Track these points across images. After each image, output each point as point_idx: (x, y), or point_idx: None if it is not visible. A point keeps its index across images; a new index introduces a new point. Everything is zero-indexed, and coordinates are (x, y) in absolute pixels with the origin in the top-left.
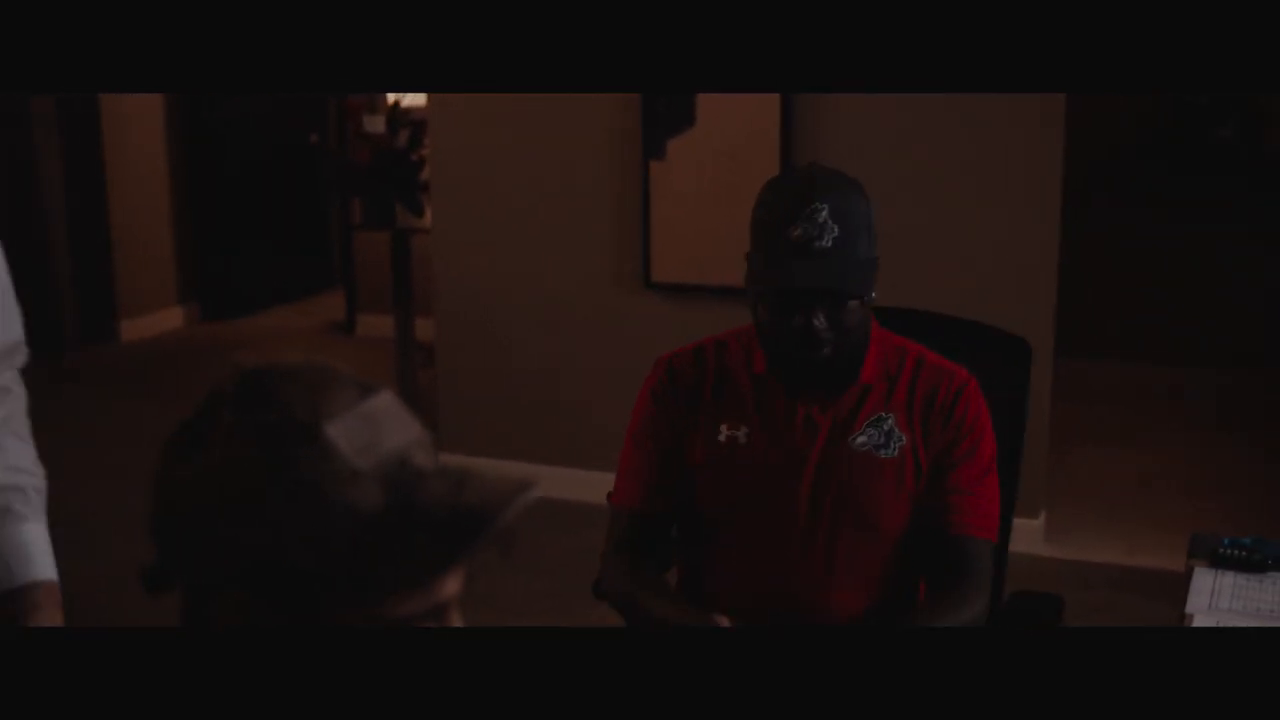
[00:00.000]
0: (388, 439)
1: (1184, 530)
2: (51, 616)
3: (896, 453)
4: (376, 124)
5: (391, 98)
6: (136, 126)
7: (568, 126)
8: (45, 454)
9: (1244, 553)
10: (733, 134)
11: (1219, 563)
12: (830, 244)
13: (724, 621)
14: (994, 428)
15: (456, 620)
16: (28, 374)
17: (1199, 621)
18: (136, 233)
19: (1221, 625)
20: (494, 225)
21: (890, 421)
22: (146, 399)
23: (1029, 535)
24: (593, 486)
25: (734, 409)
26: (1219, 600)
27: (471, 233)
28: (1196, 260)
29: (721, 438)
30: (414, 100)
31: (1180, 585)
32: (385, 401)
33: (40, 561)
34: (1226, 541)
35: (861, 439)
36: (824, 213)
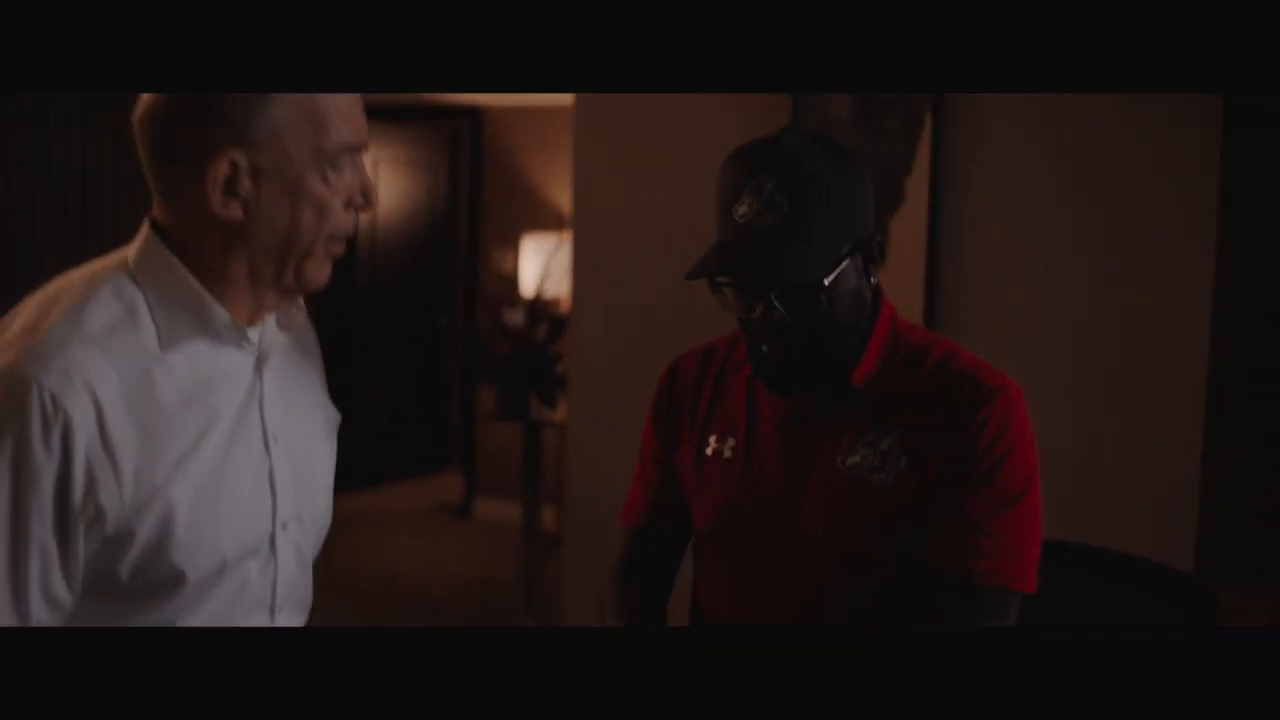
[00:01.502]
0: None
1: None
2: None
3: (892, 478)
4: (516, 317)
5: (532, 292)
6: None
7: (703, 329)
8: None
9: None
10: None
11: None
12: (776, 222)
13: None
14: None
15: None
16: None
17: None
18: None
19: None
20: (628, 423)
21: (890, 440)
22: None
23: None
24: None
25: (725, 418)
26: None
27: (606, 428)
28: None
29: (709, 450)
30: (555, 293)
31: None
32: None
33: None
34: None
35: (853, 459)
36: (770, 185)
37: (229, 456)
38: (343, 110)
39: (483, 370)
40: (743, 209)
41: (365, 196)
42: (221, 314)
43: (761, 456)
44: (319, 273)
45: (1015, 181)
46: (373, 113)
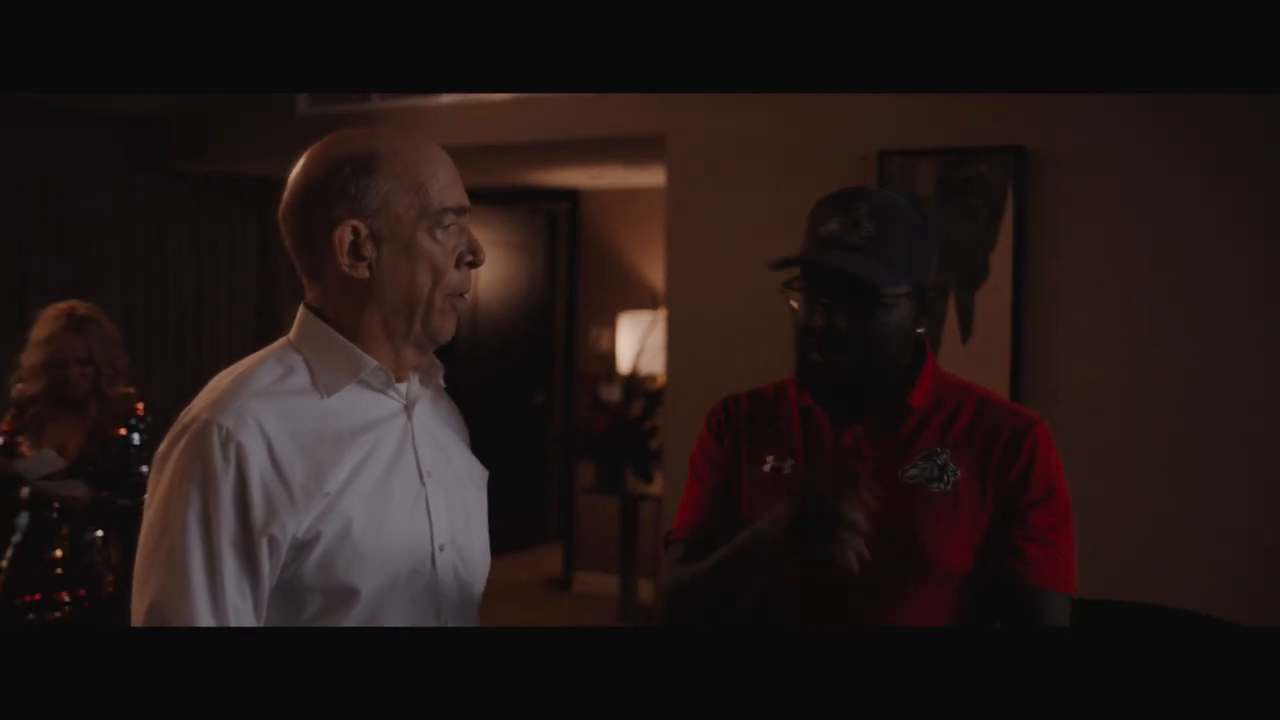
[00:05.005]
0: None
1: None
2: None
3: (951, 487)
4: (613, 393)
5: (628, 368)
6: None
7: None
8: None
9: None
10: None
11: None
12: (861, 241)
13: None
14: None
15: None
16: None
17: None
18: None
19: None
20: None
21: (945, 456)
22: None
23: None
24: None
25: (781, 441)
26: None
27: None
28: None
29: (766, 468)
30: (650, 369)
31: None
32: None
33: None
34: None
35: (913, 471)
36: (862, 211)
37: (389, 482)
38: (439, 177)
39: (580, 446)
40: (832, 226)
41: (474, 254)
42: (369, 360)
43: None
44: (444, 325)
45: (1098, 254)
46: (472, 197)
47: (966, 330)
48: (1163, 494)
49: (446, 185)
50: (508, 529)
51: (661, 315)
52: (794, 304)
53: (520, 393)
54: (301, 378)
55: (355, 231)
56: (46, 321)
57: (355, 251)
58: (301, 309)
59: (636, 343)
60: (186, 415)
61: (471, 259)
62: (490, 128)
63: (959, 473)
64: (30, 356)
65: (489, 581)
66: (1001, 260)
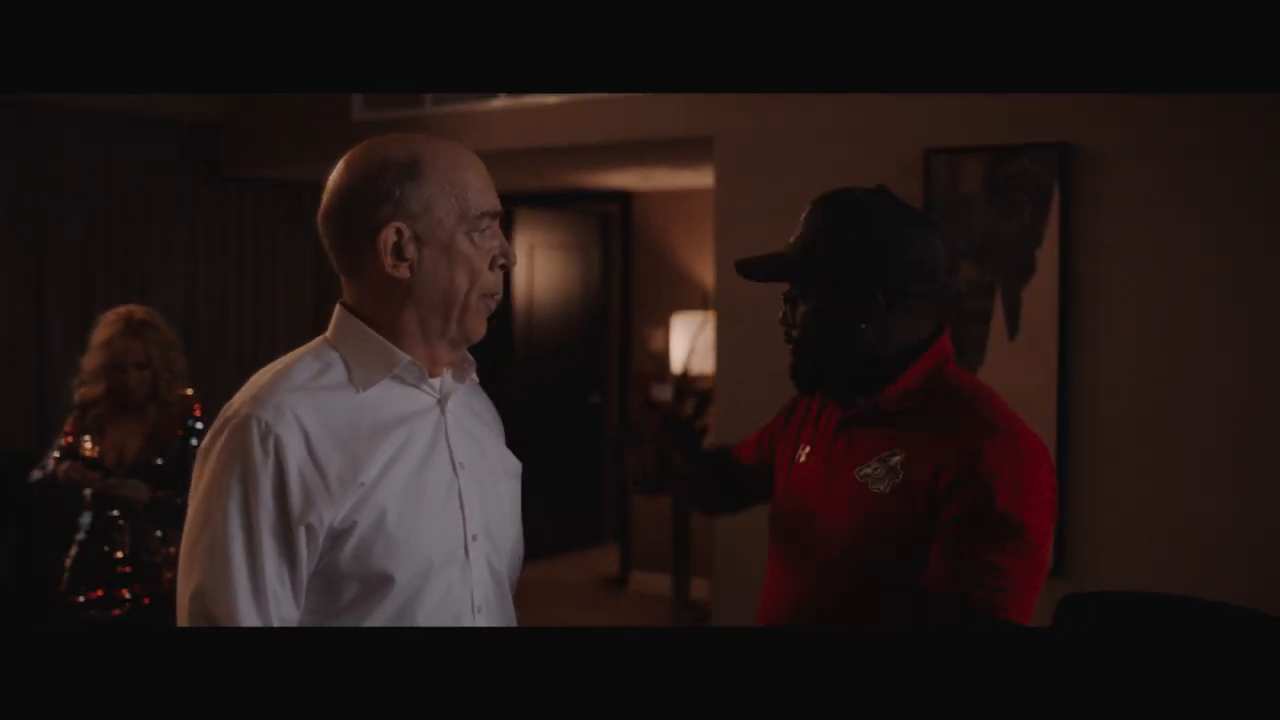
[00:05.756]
0: None
1: None
2: None
3: (888, 489)
4: (664, 392)
5: (680, 368)
6: None
7: None
8: None
9: None
10: None
11: None
12: (791, 242)
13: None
14: None
15: None
16: None
17: None
18: None
19: None
20: None
21: (899, 458)
22: None
23: None
24: None
25: (814, 432)
26: None
27: None
28: None
29: (791, 455)
30: (701, 369)
31: None
32: None
33: None
34: None
35: (867, 470)
36: (804, 214)
37: (423, 473)
38: (476, 182)
39: (634, 445)
40: None
41: (505, 257)
42: (404, 356)
43: (814, 463)
44: (477, 325)
45: (1144, 250)
46: (527, 200)
47: (1013, 327)
48: (1217, 489)
49: (483, 190)
50: (565, 529)
51: (712, 315)
52: None
53: (576, 394)
54: (338, 373)
55: (399, 233)
56: (105, 326)
57: (398, 252)
58: (338, 307)
59: (688, 343)
60: (228, 410)
61: (504, 261)
62: (541, 131)
63: (901, 474)
64: (90, 360)
65: (553, 580)
66: (1048, 256)
